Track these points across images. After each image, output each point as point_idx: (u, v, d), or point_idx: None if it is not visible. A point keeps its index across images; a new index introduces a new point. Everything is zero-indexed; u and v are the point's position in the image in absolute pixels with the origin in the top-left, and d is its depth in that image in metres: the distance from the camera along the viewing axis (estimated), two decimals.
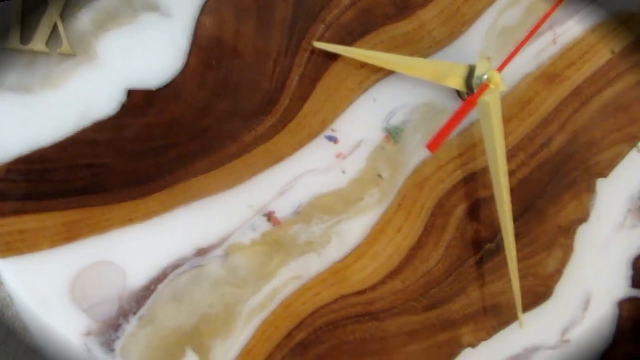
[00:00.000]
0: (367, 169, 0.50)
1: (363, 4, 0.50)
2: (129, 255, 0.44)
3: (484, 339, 0.53)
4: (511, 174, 0.54)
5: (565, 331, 0.56)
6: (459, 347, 0.52)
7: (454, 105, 0.52)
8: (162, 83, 0.46)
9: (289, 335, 0.48)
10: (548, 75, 0.55)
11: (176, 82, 0.46)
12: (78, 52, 0.45)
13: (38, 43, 0.44)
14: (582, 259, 0.56)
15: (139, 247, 0.44)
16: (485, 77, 0.49)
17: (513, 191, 0.54)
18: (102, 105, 0.45)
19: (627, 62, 0.57)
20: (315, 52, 0.49)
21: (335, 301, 0.49)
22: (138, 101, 0.46)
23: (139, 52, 0.46)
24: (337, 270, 0.49)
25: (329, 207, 0.49)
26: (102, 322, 0.42)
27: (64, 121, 0.44)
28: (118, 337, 0.43)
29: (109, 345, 0.42)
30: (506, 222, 0.50)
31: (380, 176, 0.50)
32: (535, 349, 0.55)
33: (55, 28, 0.45)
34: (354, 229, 0.50)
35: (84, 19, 0.45)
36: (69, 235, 0.43)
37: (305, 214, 0.48)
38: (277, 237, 0.48)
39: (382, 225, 0.50)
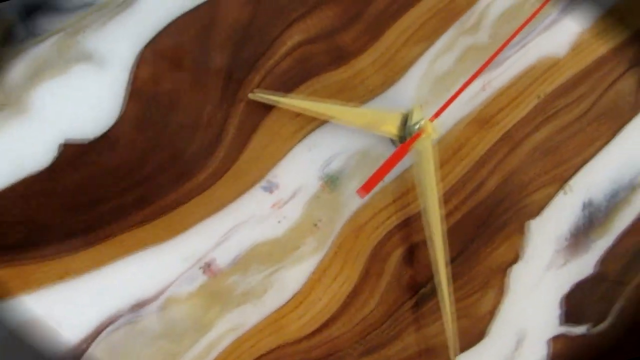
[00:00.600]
0: (303, 217, 0.51)
1: (298, 53, 0.52)
2: (61, 313, 0.44)
3: None
4: (445, 217, 0.56)
5: None
6: None
7: (389, 151, 0.54)
8: (96, 135, 0.47)
9: None
10: (479, 121, 0.58)
11: (111, 134, 0.47)
12: (10, 103, 0.45)
13: None
14: (514, 299, 0.59)
15: (71, 303, 0.45)
16: (418, 125, 0.51)
17: (447, 234, 0.56)
18: (35, 158, 0.45)
19: (552, 106, 0.61)
20: (250, 102, 0.50)
21: (272, 351, 0.51)
22: (72, 153, 0.46)
23: (73, 103, 0.47)
24: (274, 320, 0.51)
25: (266, 256, 0.50)
26: None
27: None
28: None
29: None
30: (439, 267, 0.53)
31: (316, 224, 0.52)
32: None
33: None
34: (291, 278, 0.51)
35: (17, 70, 0.46)
36: None
37: (242, 264, 0.50)
38: (214, 288, 0.49)
39: (319, 273, 0.52)
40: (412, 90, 0.55)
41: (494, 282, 0.58)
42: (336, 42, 0.53)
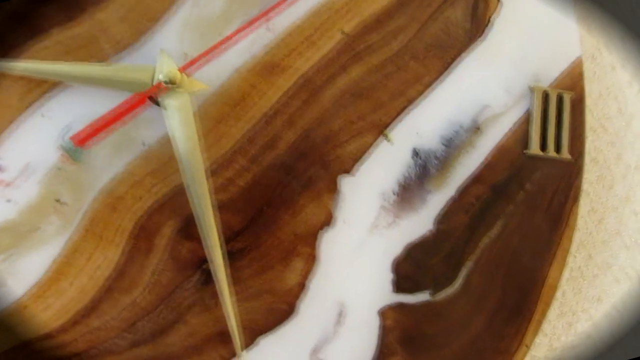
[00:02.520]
0: (41, 194, 0.45)
1: (19, 9, 0.44)
2: None
3: None
4: (230, 181, 0.49)
5: (316, 350, 0.50)
6: None
7: (149, 111, 0.46)
8: None
9: None
10: (265, 66, 0.50)
11: None
12: None
13: None
14: (329, 267, 0.51)
15: None
16: (161, 76, 0.43)
17: (234, 201, 0.49)
18: None
19: (362, 42, 0.52)
20: None
21: (15, 348, 0.44)
22: None
23: None
24: (14, 313, 0.43)
25: None
26: None
27: None
28: None
29: None
30: (212, 241, 0.45)
31: (58, 201, 0.45)
32: None
33: None
34: (30, 264, 0.45)
35: None
36: None
37: None
38: None
39: (67, 256, 0.45)
40: (173, 38, 0.47)
41: (302, 249, 0.50)
42: None
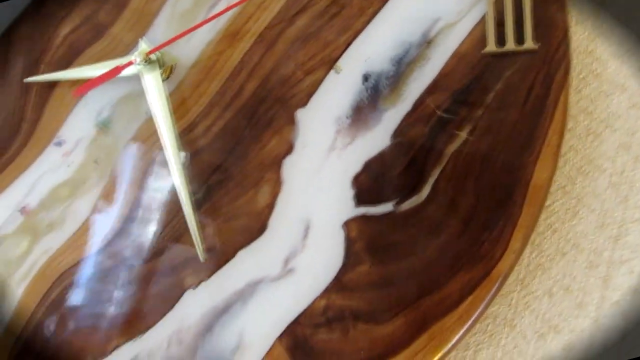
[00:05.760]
0: (86, 158, 0.62)
1: (69, 40, 0.64)
2: None
3: (204, 280, 0.57)
4: (208, 129, 0.60)
5: (287, 261, 0.56)
6: (180, 290, 0.57)
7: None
8: None
9: (46, 294, 0.60)
10: (228, 36, 0.60)
11: None
12: None
13: None
14: (293, 188, 0.57)
15: None
16: (134, 57, 0.57)
17: (212, 144, 0.59)
18: None
19: None
20: (40, 85, 0.63)
21: (76, 264, 0.60)
22: None
23: None
24: (74, 241, 0.61)
25: (61, 194, 0.62)
26: None
27: None
28: None
29: None
30: (180, 188, 0.55)
31: (96, 161, 0.61)
32: (257, 282, 0.57)
33: None
34: (82, 206, 0.61)
35: None
36: None
37: (45, 203, 0.62)
38: (29, 224, 0.63)
39: (103, 198, 0.60)
40: (161, 34, 0.61)
41: (269, 176, 0.58)
42: (95, 22, 0.63)
